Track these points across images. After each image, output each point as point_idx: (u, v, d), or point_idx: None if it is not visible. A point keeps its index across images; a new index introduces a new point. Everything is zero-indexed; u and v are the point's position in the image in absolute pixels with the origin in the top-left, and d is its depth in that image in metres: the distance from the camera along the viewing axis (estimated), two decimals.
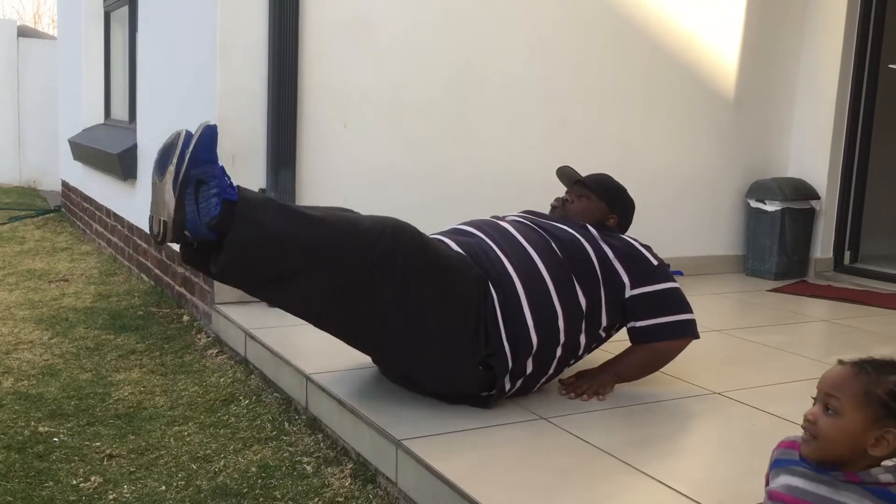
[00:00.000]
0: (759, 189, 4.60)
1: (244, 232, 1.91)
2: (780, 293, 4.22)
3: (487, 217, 2.52)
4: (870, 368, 1.26)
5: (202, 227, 1.89)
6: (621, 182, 2.68)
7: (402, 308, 2.08)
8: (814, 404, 1.31)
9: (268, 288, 2.10)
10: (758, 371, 2.76)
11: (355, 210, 2.36)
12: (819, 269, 4.73)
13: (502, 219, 2.49)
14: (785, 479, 1.31)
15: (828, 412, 1.26)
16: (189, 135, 1.91)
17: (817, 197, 4.65)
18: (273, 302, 2.20)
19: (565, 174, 2.66)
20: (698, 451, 2.11)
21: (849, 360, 1.29)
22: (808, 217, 4.64)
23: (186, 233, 1.90)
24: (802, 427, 1.29)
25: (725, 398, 2.45)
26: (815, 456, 1.28)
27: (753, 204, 4.62)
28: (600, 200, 2.57)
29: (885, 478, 1.23)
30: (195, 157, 1.87)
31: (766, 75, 4.67)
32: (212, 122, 1.91)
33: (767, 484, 1.38)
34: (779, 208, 4.50)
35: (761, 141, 4.75)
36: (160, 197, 1.90)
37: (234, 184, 1.96)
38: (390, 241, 2.05)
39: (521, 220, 2.46)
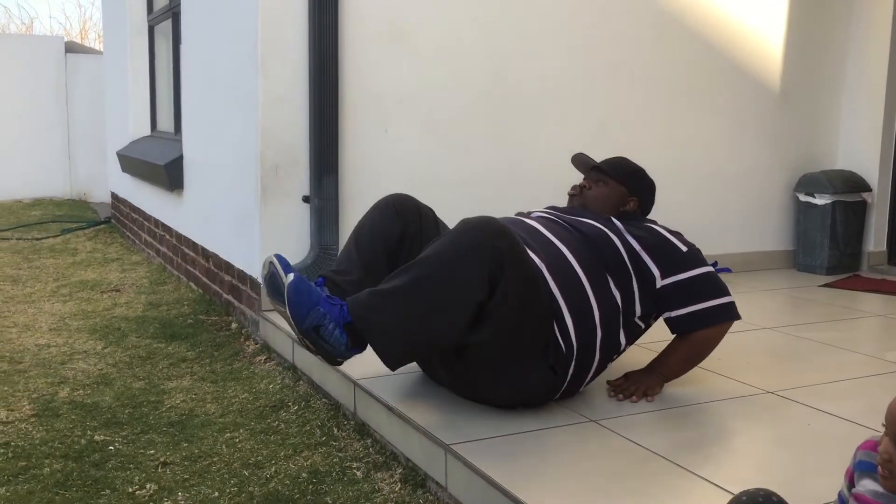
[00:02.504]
0: (809, 182, 4.51)
1: (376, 342, 2.03)
2: (833, 288, 4.13)
3: (512, 215, 2.50)
4: None
5: (345, 352, 2.05)
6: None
7: (504, 321, 2.07)
8: (883, 434, 1.30)
9: (429, 352, 2.23)
10: (812, 369, 2.70)
11: (409, 194, 2.40)
12: (872, 263, 4.62)
13: (528, 216, 2.46)
14: (871, 484, 1.31)
15: None
16: (281, 259, 2.02)
17: (868, 189, 4.54)
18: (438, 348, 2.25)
19: (580, 161, 2.61)
20: (753, 453, 2.07)
21: None
22: (860, 210, 4.53)
23: (339, 359, 2.08)
24: (878, 463, 1.29)
25: (779, 397, 2.40)
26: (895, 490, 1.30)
27: (803, 198, 4.52)
28: (618, 184, 2.52)
29: None
30: (298, 317, 1.97)
31: (813, 66, 4.57)
32: (291, 278, 1.97)
33: (850, 481, 1.38)
34: (829, 201, 4.40)
35: (809, 133, 4.65)
36: (292, 326, 2.02)
37: (341, 301, 2.04)
38: (487, 262, 2.01)
39: (547, 216, 2.43)
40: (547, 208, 2.55)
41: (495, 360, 2.14)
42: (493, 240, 2.03)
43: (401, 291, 2.02)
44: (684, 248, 2.35)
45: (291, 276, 1.97)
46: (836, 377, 2.61)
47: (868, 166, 4.58)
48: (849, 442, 2.05)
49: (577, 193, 2.54)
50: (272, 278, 2.04)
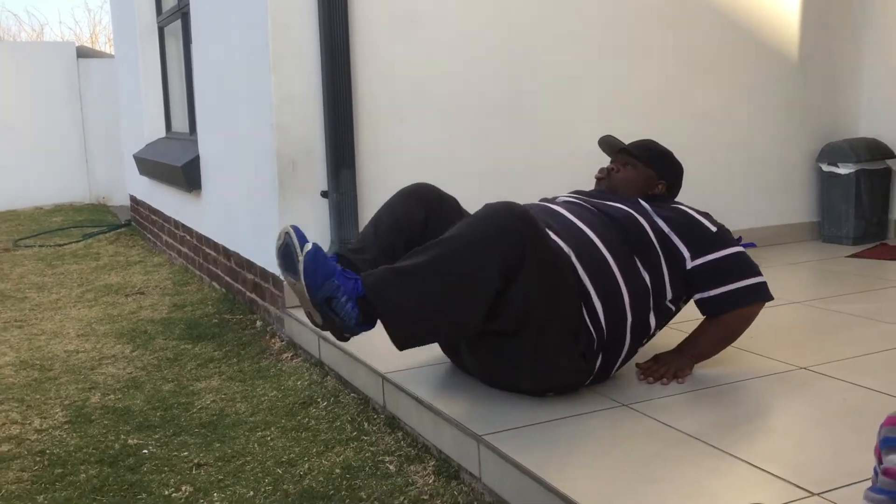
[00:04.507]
0: (831, 152, 4.44)
1: (389, 320, 2.01)
2: (860, 258, 4.07)
3: (536, 201, 2.48)
4: None
5: (354, 328, 2.01)
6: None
7: (530, 307, 2.06)
8: None
9: (440, 337, 2.23)
10: (844, 342, 2.66)
11: (427, 181, 2.38)
12: None
13: (552, 201, 2.44)
14: None
15: None
16: (297, 230, 1.99)
17: (893, 156, 4.46)
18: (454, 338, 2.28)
19: (608, 143, 2.59)
20: (790, 431, 2.04)
21: None
22: (885, 177, 4.46)
23: (347, 335, 2.06)
24: None
25: (813, 373, 2.37)
26: None
27: (826, 168, 4.46)
28: (646, 167, 2.50)
29: None
30: (312, 287, 1.95)
31: (831, 34, 4.49)
32: (309, 247, 1.95)
33: (879, 460, 1.35)
34: (853, 170, 4.34)
35: (831, 102, 4.58)
36: (303, 297, 2.00)
37: (355, 275, 2.02)
38: (511, 248, 2.00)
39: (573, 200, 2.41)
40: (572, 192, 2.52)
41: (523, 348, 2.12)
42: (516, 224, 2.02)
43: (419, 270, 1.99)
44: (714, 229, 2.32)
45: (310, 245, 1.95)
46: (869, 350, 2.57)
47: (891, 132, 4.50)
48: (886, 415, 2.02)
49: (604, 177, 2.53)
50: (286, 249, 2.01)
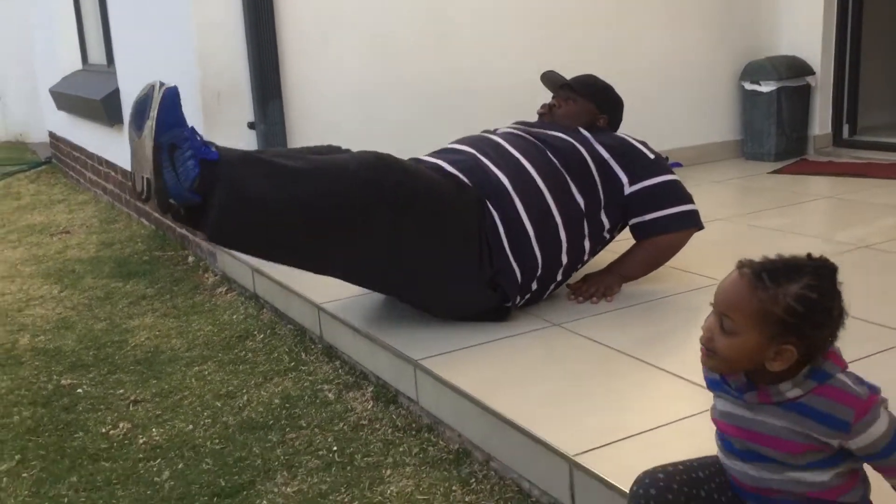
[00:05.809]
0: (753, 70, 4.52)
1: (228, 194, 1.89)
2: (781, 174, 4.20)
3: (479, 133, 2.50)
4: (768, 281, 1.14)
5: (184, 191, 1.87)
6: (611, 76, 2.64)
7: (400, 242, 2.07)
8: (712, 312, 1.22)
9: (262, 246, 2.09)
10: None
11: (341, 146, 2.31)
12: (819, 146, 4.69)
13: (494, 132, 2.46)
14: (719, 405, 1.28)
15: (723, 329, 1.18)
16: (163, 86, 1.87)
17: (812, 73, 4.56)
18: (271, 259, 2.17)
19: (550, 79, 2.61)
20: None
21: (748, 267, 1.18)
22: (805, 94, 4.57)
23: (171, 200, 1.89)
24: (700, 341, 1.22)
25: None
26: (716, 370, 1.24)
27: (748, 86, 4.54)
28: (588, 102, 2.54)
29: (793, 393, 1.18)
30: (161, 123, 1.83)
31: None
32: (172, 84, 1.85)
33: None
34: (774, 88, 4.43)
35: (752, 20, 4.63)
36: (140, 154, 1.88)
37: (211, 144, 1.93)
38: (375, 176, 2.02)
39: (514, 131, 2.44)
40: (515, 123, 2.55)
41: (426, 283, 2.17)
42: (389, 162, 2.07)
43: (279, 169, 1.94)
44: (651, 156, 2.40)
45: (173, 85, 1.86)
46: None
47: (811, 50, 4.59)
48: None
49: (546, 112, 2.56)
50: (144, 101, 1.87)
